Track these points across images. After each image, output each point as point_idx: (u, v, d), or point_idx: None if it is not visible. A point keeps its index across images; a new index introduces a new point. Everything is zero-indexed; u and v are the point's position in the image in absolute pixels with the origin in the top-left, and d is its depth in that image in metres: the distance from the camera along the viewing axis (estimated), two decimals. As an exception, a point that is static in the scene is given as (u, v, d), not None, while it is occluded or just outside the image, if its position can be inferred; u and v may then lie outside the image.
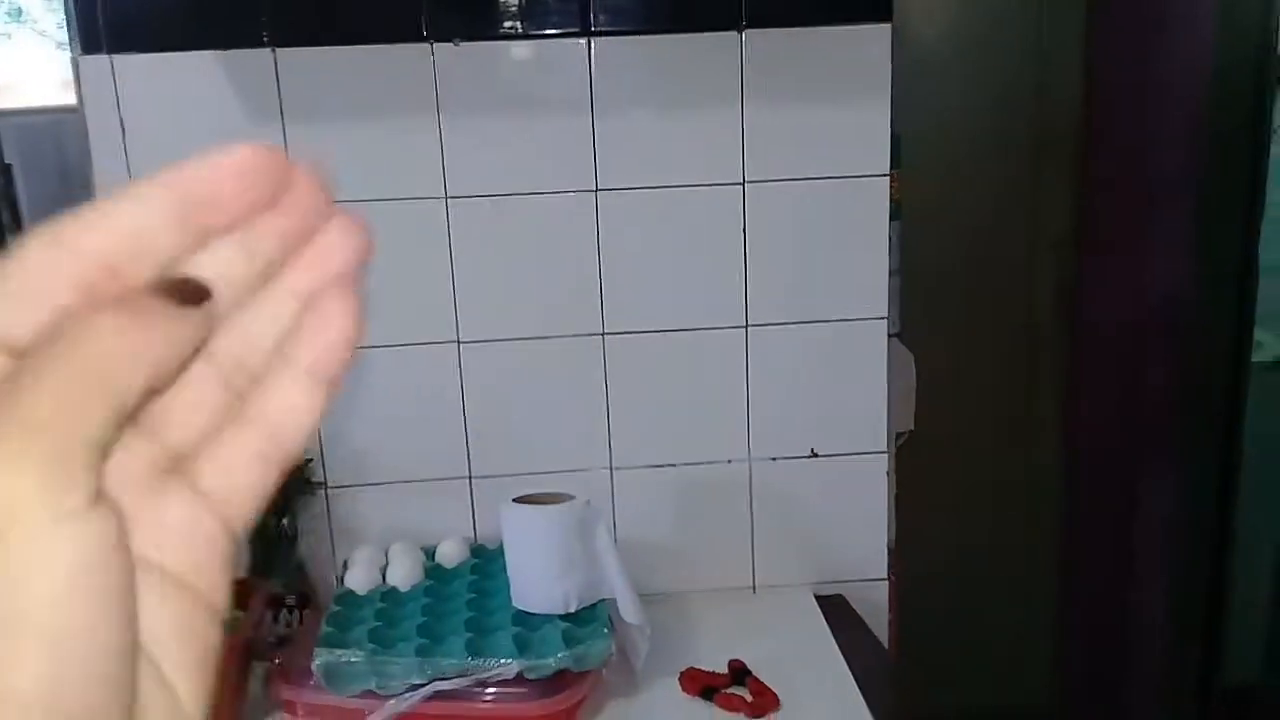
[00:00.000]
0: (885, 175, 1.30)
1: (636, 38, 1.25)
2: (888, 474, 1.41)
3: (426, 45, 1.23)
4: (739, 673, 1.20)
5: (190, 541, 0.24)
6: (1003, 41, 2.20)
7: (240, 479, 0.25)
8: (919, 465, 1.55)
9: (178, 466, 0.24)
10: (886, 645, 1.38)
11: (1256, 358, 2.21)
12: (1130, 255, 2.18)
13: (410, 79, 1.24)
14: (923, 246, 1.68)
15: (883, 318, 1.35)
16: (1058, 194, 2.28)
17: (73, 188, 1.33)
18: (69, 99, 1.28)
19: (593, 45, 1.25)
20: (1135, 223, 2.17)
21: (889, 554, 1.43)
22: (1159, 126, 2.09)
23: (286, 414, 0.26)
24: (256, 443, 0.25)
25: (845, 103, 1.28)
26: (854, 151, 1.29)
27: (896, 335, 1.41)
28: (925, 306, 1.62)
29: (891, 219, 1.34)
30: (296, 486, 1.28)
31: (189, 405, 0.25)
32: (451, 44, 1.23)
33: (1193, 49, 2.03)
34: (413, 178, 1.27)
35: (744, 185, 1.29)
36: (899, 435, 1.49)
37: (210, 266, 0.25)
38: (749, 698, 1.15)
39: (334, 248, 0.28)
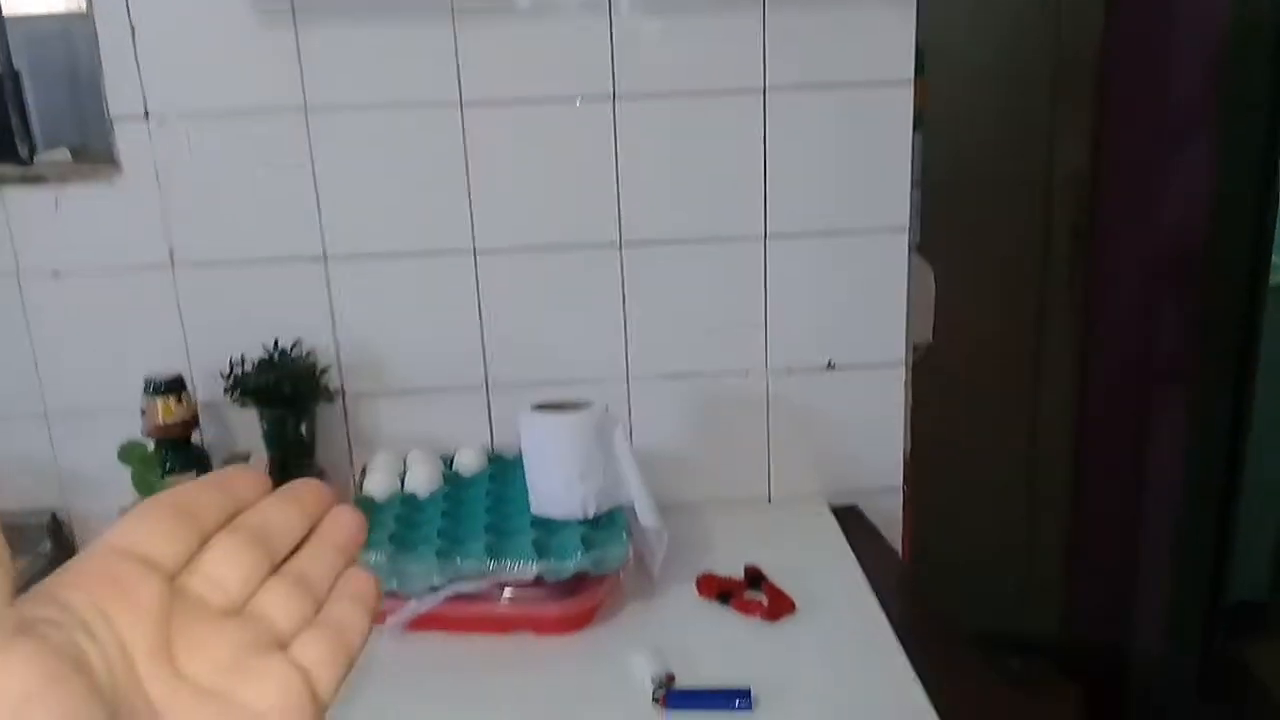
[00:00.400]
0: (909, 81, 1.27)
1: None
2: (905, 385, 1.40)
3: (441, -56, 1.21)
4: (755, 578, 1.21)
5: (285, 699, 0.32)
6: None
7: (324, 660, 0.34)
8: (935, 379, 1.55)
9: (279, 644, 0.33)
10: (900, 555, 1.39)
11: (1273, 281, 2.19)
12: (1147, 186, 2.15)
13: (425, -21, 1.22)
14: (944, 160, 1.66)
15: (904, 229, 1.33)
16: (1075, 124, 2.25)
17: (82, 94, 1.32)
18: (78, 4, 1.26)
19: (611, -55, 1.22)
20: (1153, 154, 2.14)
21: (904, 466, 1.44)
22: (1179, 56, 2.05)
23: (346, 620, 0.35)
24: (331, 636, 0.34)
25: (869, 6, 1.25)
26: (878, 57, 1.27)
27: (917, 247, 1.40)
28: (945, 221, 1.60)
29: (915, 129, 1.32)
30: (314, 393, 1.28)
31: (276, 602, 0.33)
32: (466, -57, 1.21)
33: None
34: (427, 82, 1.25)
35: (765, 92, 1.27)
36: (916, 348, 1.48)
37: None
38: (765, 601, 1.16)
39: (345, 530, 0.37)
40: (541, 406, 1.21)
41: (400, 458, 1.32)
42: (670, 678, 1.00)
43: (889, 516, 1.42)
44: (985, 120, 2.19)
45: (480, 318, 1.33)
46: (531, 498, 1.21)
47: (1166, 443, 2.23)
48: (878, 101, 1.28)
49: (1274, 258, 2.15)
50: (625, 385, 1.37)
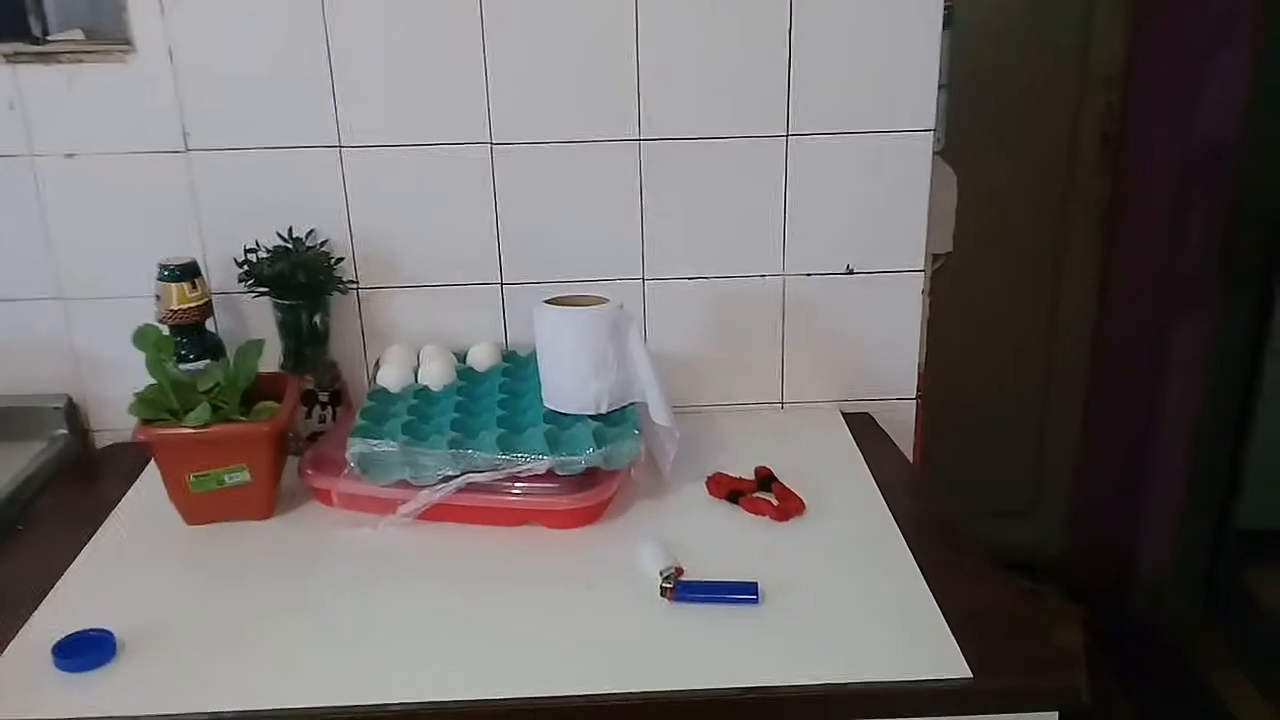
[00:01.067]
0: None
1: None
2: (923, 294, 1.39)
3: None
4: (765, 479, 1.21)
5: None
6: None
7: None
8: (954, 288, 1.53)
9: None
10: (911, 463, 1.39)
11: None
12: (1180, 96, 2.10)
13: None
14: (973, 63, 1.62)
15: (929, 131, 1.30)
16: (1110, 27, 2.19)
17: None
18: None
19: None
20: (1188, 63, 2.08)
21: (918, 375, 1.43)
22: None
23: None
24: None
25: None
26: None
27: (940, 152, 1.37)
28: (972, 127, 1.57)
29: (945, 27, 1.28)
30: (327, 285, 1.27)
31: None
32: None
33: None
34: (447, -34, 1.22)
35: (792, -17, 1.24)
36: (936, 257, 1.47)
37: None
38: (775, 502, 1.17)
39: None
40: (557, 301, 1.21)
41: (414, 351, 1.32)
42: (679, 570, 1.01)
43: (901, 425, 1.42)
44: (1017, 22, 2.14)
45: (496, 212, 1.32)
46: (545, 392, 1.21)
47: (1184, 360, 2.21)
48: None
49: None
50: (641, 284, 1.36)
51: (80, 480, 1.29)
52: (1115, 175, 2.28)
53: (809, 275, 1.36)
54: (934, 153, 1.33)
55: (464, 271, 1.34)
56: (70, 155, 1.27)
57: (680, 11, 1.24)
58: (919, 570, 1.04)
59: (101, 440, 1.37)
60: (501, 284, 1.35)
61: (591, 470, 1.12)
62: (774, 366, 1.41)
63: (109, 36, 1.26)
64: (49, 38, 1.28)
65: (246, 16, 1.23)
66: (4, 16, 1.29)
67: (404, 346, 1.32)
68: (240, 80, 1.25)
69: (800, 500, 1.16)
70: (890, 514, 1.15)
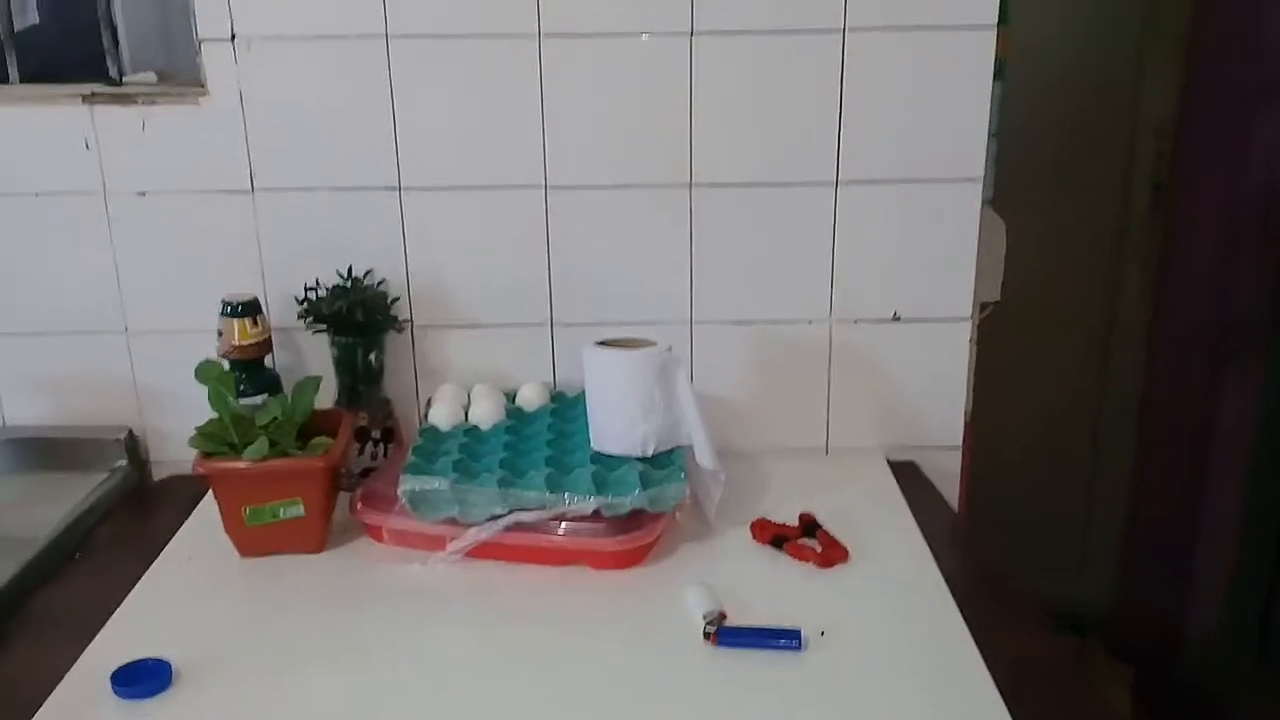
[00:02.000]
0: (991, 28, 1.25)
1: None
2: (970, 343, 1.39)
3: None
4: (809, 525, 1.21)
5: None
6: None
7: None
8: (1001, 337, 1.53)
9: None
10: (956, 512, 1.39)
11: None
12: (1232, 148, 2.09)
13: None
14: (1023, 112, 1.63)
15: (978, 180, 1.31)
16: (1162, 80, 2.18)
17: (170, 16, 1.34)
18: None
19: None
20: (1240, 114, 2.07)
21: (964, 425, 1.43)
22: (1270, 15, 1.97)
23: None
24: None
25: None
26: (960, 2, 1.24)
27: (989, 201, 1.38)
28: (1021, 176, 1.58)
29: (995, 78, 1.29)
30: (384, 323, 1.30)
31: None
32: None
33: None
34: (507, 14, 1.25)
35: (844, 33, 1.25)
36: (984, 305, 1.47)
37: None
38: (818, 549, 1.17)
39: None
40: (606, 343, 1.23)
41: (465, 390, 1.34)
42: (722, 615, 1.02)
43: (947, 474, 1.42)
44: (1068, 71, 2.14)
45: (548, 254, 1.34)
46: (592, 433, 1.23)
47: (1235, 415, 2.18)
48: (958, 47, 1.26)
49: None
50: (689, 328, 1.37)
51: (139, 511, 1.33)
52: (1165, 225, 2.26)
53: (856, 322, 1.37)
54: (983, 201, 1.34)
55: (515, 312, 1.37)
56: (141, 193, 1.31)
57: (733, 59, 1.27)
58: (964, 622, 1.03)
59: (159, 472, 1.41)
60: (552, 324, 1.37)
61: (637, 512, 1.13)
62: (819, 412, 1.42)
63: (182, 79, 1.30)
64: (125, 79, 1.33)
65: (314, 62, 1.27)
66: (82, 58, 1.35)
67: (455, 385, 1.34)
68: (306, 123, 1.29)
69: (844, 548, 1.17)
70: (935, 564, 1.15)
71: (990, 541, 1.29)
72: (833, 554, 1.16)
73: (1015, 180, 1.60)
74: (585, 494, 1.12)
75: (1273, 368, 2.12)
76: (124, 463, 1.37)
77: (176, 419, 1.30)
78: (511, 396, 1.35)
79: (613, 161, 1.31)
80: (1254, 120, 2.04)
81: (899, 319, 1.37)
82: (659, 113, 1.29)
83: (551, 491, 1.12)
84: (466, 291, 1.36)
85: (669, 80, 1.28)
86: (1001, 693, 0.92)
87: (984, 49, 1.26)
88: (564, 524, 1.13)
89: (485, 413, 1.29)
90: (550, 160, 1.30)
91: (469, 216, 1.32)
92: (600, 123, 1.29)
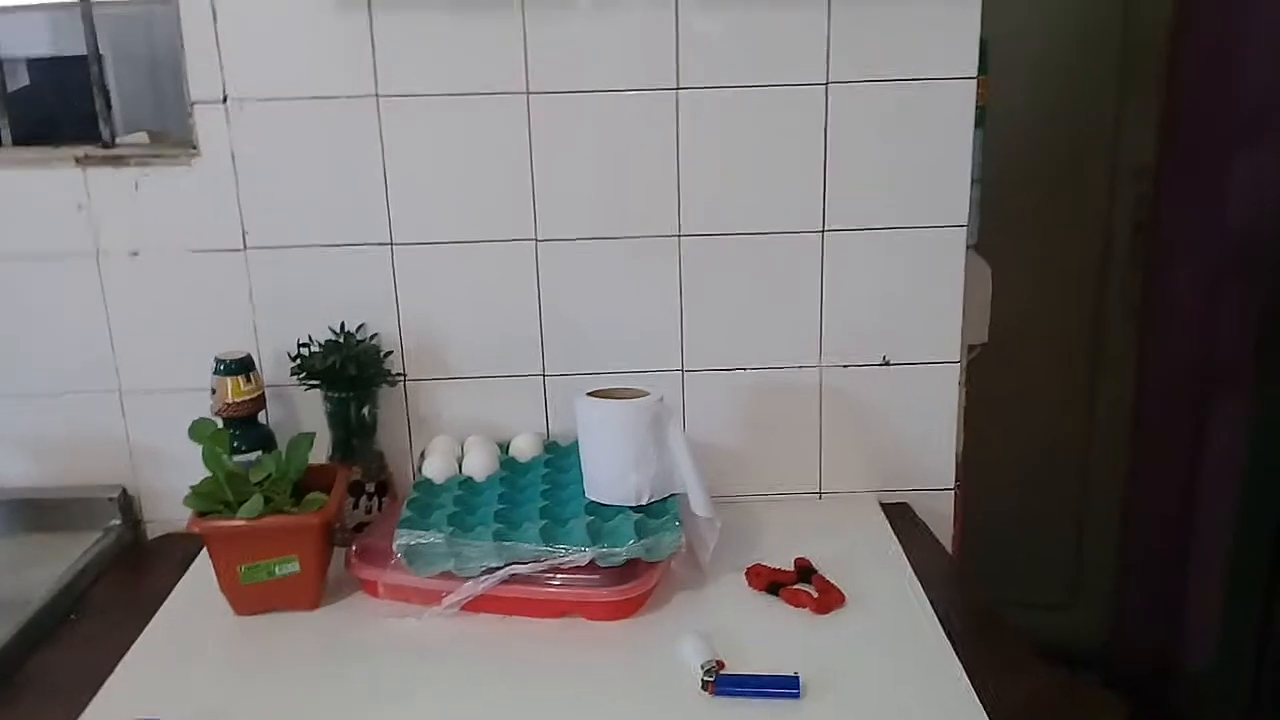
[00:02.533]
0: (972, 78, 1.28)
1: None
2: (959, 384, 1.40)
3: (511, -62, 1.23)
4: (805, 571, 1.22)
5: None
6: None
7: None
8: (990, 379, 1.55)
9: None
10: (950, 554, 1.39)
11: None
12: (1211, 188, 2.12)
13: (494, -27, 1.24)
14: (1005, 157, 1.66)
15: (962, 226, 1.33)
16: (1141, 118, 2.22)
17: (161, 78, 1.36)
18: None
19: (678, -60, 1.24)
20: (1218, 155, 2.11)
21: (956, 466, 1.44)
22: (1251, 49, 2.01)
23: None
24: None
25: (932, 2, 1.26)
26: (941, 53, 1.27)
27: (974, 246, 1.40)
28: (1004, 220, 1.60)
29: (976, 126, 1.32)
30: (377, 377, 1.31)
31: None
32: (536, -63, 1.23)
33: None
34: (495, 72, 1.27)
35: (827, 85, 1.28)
36: (972, 348, 1.49)
37: None
38: (814, 594, 1.17)
39: None
40: (598, 393, 1.24)
41: (458, 442, 1.34)
42: (720, 663, 1.02)
43: (939, 515, 1.42)
44: (1048, 116, 2.18)
45: (539, 306, 1.35)
46: (586, 484, 1.23)
47: (1223, 450, 2.19)
48: (940, 98, 1.29)
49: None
50: (680, 376, 1.38)
51: (133, 570, 1.32)
52: (1147, 264, 2.29)
53: (845, 367, 1.38)
54: (968, 246, 1.36)
55: (508, 363, 1.38)
56: (134, 253, 1.32)
57: (720, 114, 1.29)
58: (959, 663, 1.04)
59: (154, 531, 1.40)
60: (544, 376, 1.38)
61: (632, 562, 1.13)
62: (811, 457, 1.42)
63: (174, 140, 1.32)
64: (117, 141, 1.35)
65: (305, 122, 1.29)
66: (75, 120, 1.36)
67: (448, 437, 1.35)
68: (297, 181, 1.30)
69: (840, 592, 1.17)
70: (930, 605, 1.15)
71: (984, 580, 1.29)
72: (829, 599, 1.16)
73: (999, 224, 1.63)
74: (580, 545, 1.12)
75: (1259, 401, 2.14)
76: (118, 522, 1.37)
77: (170, 478, 1.30)
78: (505, 447, 1.35)
79: (602, 214, 1.33)
80: (1232, 159, 2.07)
81: (889, 363, 1.38)
82: (646, 165, 1.31)
83: (546, 543, 1.13)
84: (459, 344, 1.37)
85: (656, 134, 1.30)
86: (1000, 736, 0.92)
87: (965, 98, 1.29)
88: (559, 575, 1.13)
89: (479, 464, 1.30)
90: (540, 214, 1.32)
91: (460, 270, 1.34)
92: (589, 176, 1.31)
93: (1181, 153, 2.18)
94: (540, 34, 1.26)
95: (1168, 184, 2.22)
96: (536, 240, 1.33)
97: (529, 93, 1.28)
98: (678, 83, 1.28)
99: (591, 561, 1.12)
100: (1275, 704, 2.31)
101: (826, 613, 1.15)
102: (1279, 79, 1.97)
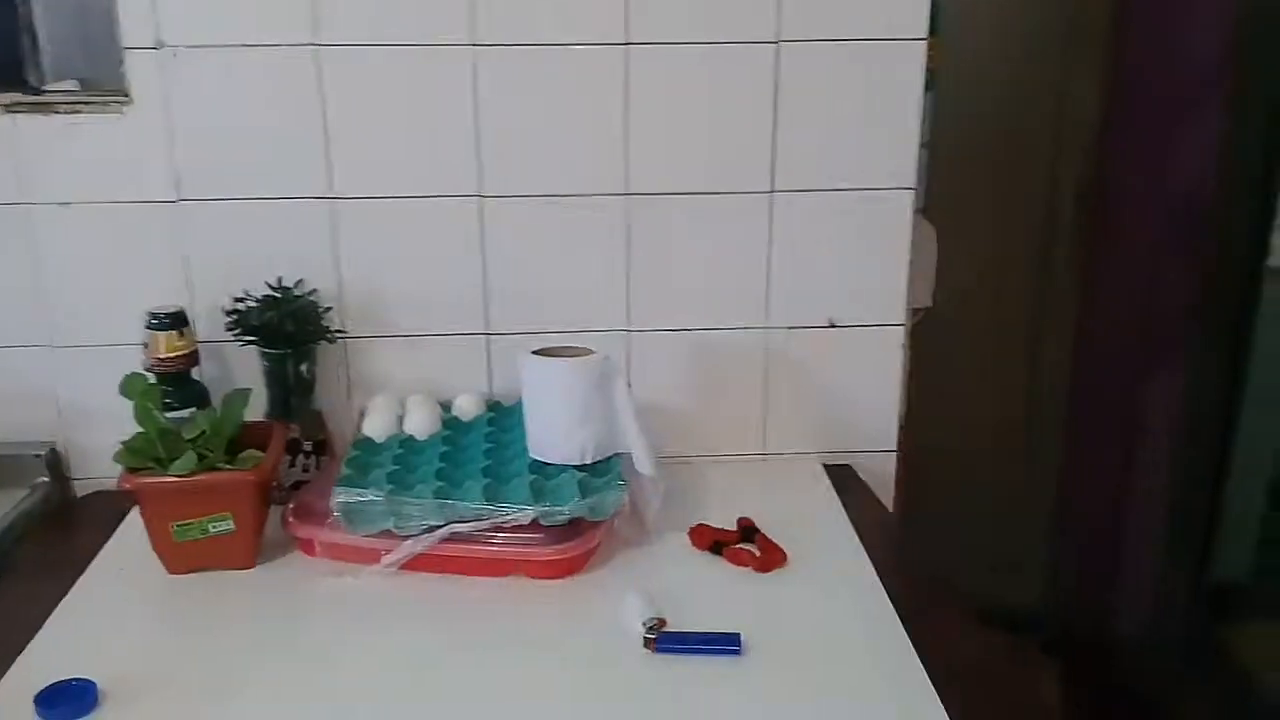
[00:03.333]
0: (922, 39, 1.27)
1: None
2: (903, 348, 1.41)
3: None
4: (747, 530, 1.22)
5: None
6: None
7: None
8: (933, 341, 1.55)
9: None
10: (892, 514, 1.40)
11: (1272, 262, 2.19)
12: (1155, 153, 2.15)
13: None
14: (953, 122, 1.66)
15: (910, 189, 1.33)
16: (1085, 87, 2.24)
17: (91, 24, 1.31)
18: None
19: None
20: (1162, 120, 2.13)
21: (898, 428, 1.45)
22: (1195, 18, 2.03)
23: None
24: None
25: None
26: (892, 14, 1.27)
27: (921, 210, 1.40)
28: (951, 185, 1.61)
29: (926, 89, 1.32)
30: (315, 334, 1.28)
31: None
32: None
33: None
34: (440, 24, 1.24)
35: (778, 45, 1.27)
36: (916, 311, 1.49)
37: None
38: (757, 553, 1.17)
39: None
40: (543, 352, 1.22)
41: (400, 401, 1.32)
42: (661, 621, 1.02)
43: (882, 477, 1.43)
44: (995, 82, 2.19)
45: (483, 265, 1.33)
46: (530, 442, 1.22)
47: (1160, 415, 2.24)
48: (890, 59, 1.28)
49: (1275, 238, 2.16)
50: (626, 337, 1.37)
51: (61, 529, 1.29)
52: (1092, 229, 2.32)
53: (791, 329, 1.38)
54: (915, 210, 1.36)
55: (450, 322, 1.35)
56: (64, 204, 1.28)
57: (669, 71, 1.27)
58: (900, 621, 1.05)
59: (83, 489, 1.37)
60: (488, 335, 1.36)
61: (575, 521, 1.13)
62: (756, 418, 1.42)
63: (105, 88, 1.28)
64: (45, 88, 1.30)
65: (242, 70, 1.25)
66: (1, 66, 1.31)
67: (389, 396, 1.33)
68: (234, 132, 1.27)
69: (782, 551, 1.17)
70: (872, 566, 1.16)
71: (926, 542, 1.30)
72: (771, 558, 1.16)
73: (946, 188, 1.63)
74: (523, 503, 1.11)
75: (1197, 365, 2.18)
76: (46, 479, 1.33)
77: (100, 434, 1.26)
78: (448, 407, 1.34)
79: (547, 171, 1.31)
80: (1176, 126, 2.10)
81: (834, 325, 1.38)
82: (594, 123, 1.29)
83: (489, 501, 1.11)
84: (400, 301, 1.34)
85: (605, 90, 1.28)
86: (937, 689, 0.93)
87: (915, 60, 1.28)
88: (501, 534, 1.12)
89: (420, 423, 1.28)
90: (484, 170, 1.30)
91: (402, 226, 1.31)
92: (535, 132, 1.29)
93: (1127, 120, 2.21)
94: (486, -16, 1.23)
95: (1113, 150, 2.25)
96: (481, 197, 1.31)
97: (475, 44, 1.25)
98: (627, 38, 1.26)
99: (534, 520, 1.11)
100: (1208, 664, 2.37)
101: (768, 571, 1.15)
102: (1224, 49, 1.99)
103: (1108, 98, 2.23)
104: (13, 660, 0.98)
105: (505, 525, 1.11)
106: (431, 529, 1.11)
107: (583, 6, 1.25)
